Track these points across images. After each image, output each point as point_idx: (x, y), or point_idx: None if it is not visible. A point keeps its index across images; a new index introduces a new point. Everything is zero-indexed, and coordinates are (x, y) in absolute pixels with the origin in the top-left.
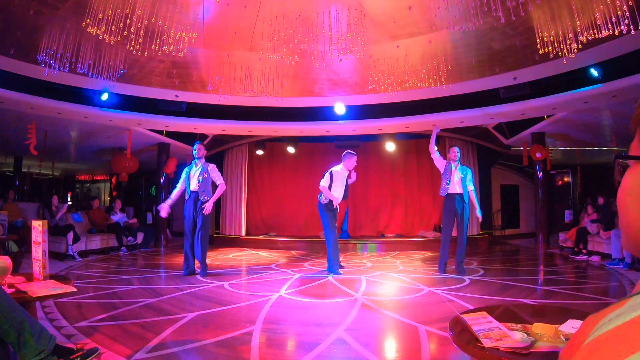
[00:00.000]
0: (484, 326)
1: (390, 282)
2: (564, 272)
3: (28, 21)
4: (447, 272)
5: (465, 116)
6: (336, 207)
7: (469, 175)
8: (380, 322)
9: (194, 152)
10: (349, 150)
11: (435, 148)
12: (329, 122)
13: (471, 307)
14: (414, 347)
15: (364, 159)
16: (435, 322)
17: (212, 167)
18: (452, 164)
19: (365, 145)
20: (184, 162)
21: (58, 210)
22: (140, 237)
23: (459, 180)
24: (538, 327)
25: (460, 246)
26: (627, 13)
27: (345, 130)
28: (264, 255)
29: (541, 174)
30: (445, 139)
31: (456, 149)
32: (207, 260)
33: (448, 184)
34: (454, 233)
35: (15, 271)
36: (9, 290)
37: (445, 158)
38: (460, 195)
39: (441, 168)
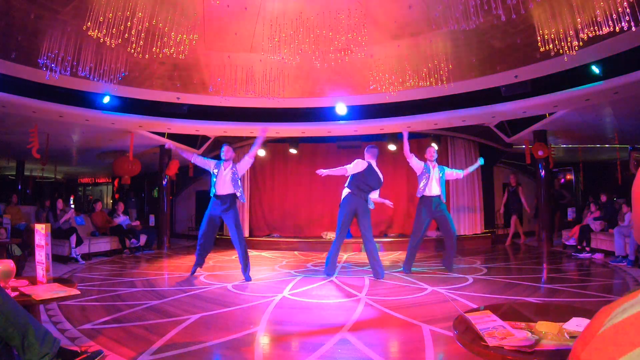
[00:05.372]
0: (488, 325)
1: (393, 282)
2: (568, 270)
3: (29, 25)
4: (412, 272)
5: (467, 115)
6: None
7: (447, 171)
8: (384, 322)
9: (222, 154)
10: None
11: (409, 151)
12: (331, 123)
13: (475, 306)
14: (417, 346)
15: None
16: (439, 321)
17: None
18: (430, 165)
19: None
20: (186, 164)
21: (63, 214)
22: (143, 239)
23: (437, 180)
24: (542, 326)
25: (452, 244)
26: (628, 9)
27: (347, 131)
28: (267, 256)
29: (543, 172)
30: (447, 137)
31: (433, 148)
32: (210, 262)
33: (425, 185)
34: (433, 235)
35: (18, 274)
36: (12, 294)
37: (421, 159)
38: (438, 196)
39: (418, 170)
